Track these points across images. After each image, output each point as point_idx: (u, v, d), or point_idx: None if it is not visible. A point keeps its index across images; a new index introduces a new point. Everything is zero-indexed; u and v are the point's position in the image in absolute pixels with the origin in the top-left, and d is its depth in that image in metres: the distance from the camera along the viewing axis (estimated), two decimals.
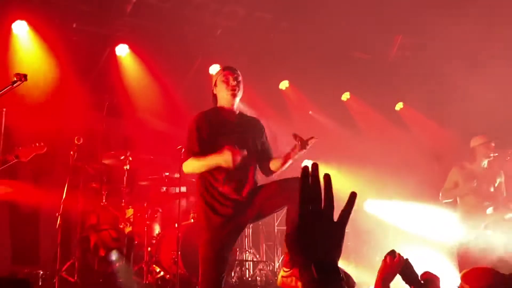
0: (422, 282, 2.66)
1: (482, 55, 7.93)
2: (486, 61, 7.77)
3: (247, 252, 6.94)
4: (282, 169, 4.12)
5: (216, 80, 4.12)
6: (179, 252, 5.71)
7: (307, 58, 8.66)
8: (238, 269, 6.51)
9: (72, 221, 6.52)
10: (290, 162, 4.07)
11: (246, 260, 6.69)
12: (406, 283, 2.69)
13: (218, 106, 4.14)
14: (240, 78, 4.11)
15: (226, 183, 3.89)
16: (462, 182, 6.51)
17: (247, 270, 6.82)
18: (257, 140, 4.19)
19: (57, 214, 5.62)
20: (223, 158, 3.69)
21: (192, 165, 3.88)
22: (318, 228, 1.31)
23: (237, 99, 4.08)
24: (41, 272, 6.16)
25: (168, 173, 6.69)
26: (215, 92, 4.15)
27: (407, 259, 2.70)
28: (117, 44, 7.78)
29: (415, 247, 7.19)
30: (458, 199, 6.58)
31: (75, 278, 5.70)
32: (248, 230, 6.67)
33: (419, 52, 8.76)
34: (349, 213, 1.37)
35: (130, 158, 6.50)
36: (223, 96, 4.08)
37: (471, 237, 6.30)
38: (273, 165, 4.16)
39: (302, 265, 1.29)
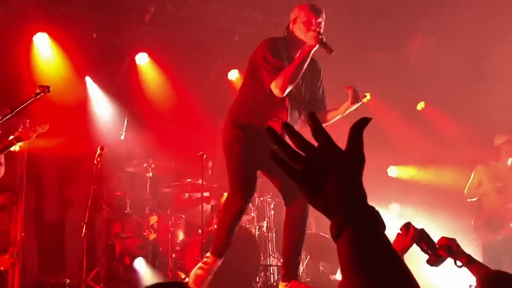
0: (438, 247, 2.66)
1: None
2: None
3: (271, 257, 6.93)
4: (330, 122, 4.01)
5: (296, 18, 3.88)
6: None
7: (326, 60, 8.61)
8: (262, 274, 6.50)
9: (97, 230, 6.61)
10: (339, 116, 3.96)
11: (271, 265, 6.66)
12: (425, 252, 2.68)
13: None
14: (323, 23, 3.88)
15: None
16: (487, 180, 6.42)
17: (271, 275, 6.80)
18: (318, 89, 4.13)
19: (82, 223, 5.67)
20: (310, 36, 3.59)
21: (288, 75, 3.60)
22: (326, 170, 1.06)
23: None
24: (68, 281, 6.23)
25: (190, 180, 6.71)
26: (292, 28, 3.91)
27: (422, 229, 2.70)
28: (136, 53, 7.86)
29: None
30: (481, 198, 6.49)
31: (101, 286, 5.76)
32: (271, 234, 6.66)
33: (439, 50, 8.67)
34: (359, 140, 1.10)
35: (153, 166, 6.55)
36: (300, 37, 3.85)
37: (497, 238, 6.20)
38: (322, 116, 4.02)
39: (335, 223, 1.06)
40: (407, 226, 2.70)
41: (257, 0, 7.45)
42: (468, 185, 6.59)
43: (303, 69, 3.69)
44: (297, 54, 3.91)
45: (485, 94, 7.69)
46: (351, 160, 1.08)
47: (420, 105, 9.80)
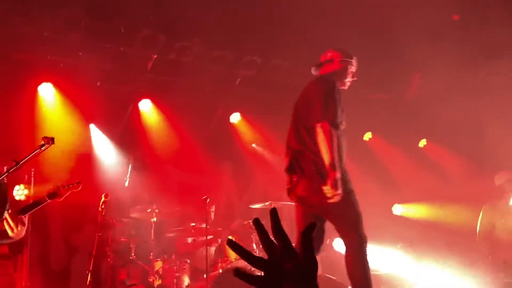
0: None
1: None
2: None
3: None
4: None
5: (344, 63, 4.49)
6: None
7: None
8: None
9: (103, 277, 6.58)
10: None
11: None
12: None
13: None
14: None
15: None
16: (498, 221, 6.36)
17: None
18: None
19: (87, 271, 5.66)
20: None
21: (330, 140, 4.02)
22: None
23: None
24: None
25: (194, 224, 6.72)
26: (334, 67, 4.49)
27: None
28: (140, 99, 8.00)
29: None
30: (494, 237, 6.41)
31: None
32: None
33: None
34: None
35: (157, 211, 6.58)
36: (342, 79, 4.47)
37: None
38: None
39: None
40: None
41: (256, 45, 7.61)
42: (479, 228, 6.46)
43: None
44: None
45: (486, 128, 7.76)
46: (305, 267, 1.20)
47: (422, 143, 9.88)
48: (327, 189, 3.95)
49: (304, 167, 4.21)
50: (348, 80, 4.56)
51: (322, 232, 4.42)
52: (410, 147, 9.63)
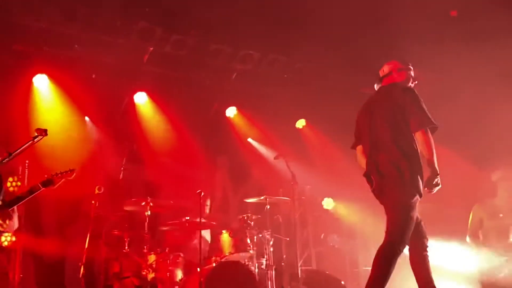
0: None
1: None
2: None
3: None
4: None
5: (407, 69, 4.73)
6: None
7: (322, 96, 8.73)
8: None
9: (96, 270, 6.56)
10: None
11: None
12: None
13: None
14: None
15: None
16: (487, 219, 6.35)
17: None
18: None
19: (80, 263, 5.64)
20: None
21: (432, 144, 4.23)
22: None
23: None
24: None
25: (188, 217, 6.70)
26: (396, 73, 4.72)
27: None
28: (135, 92, 7.96)
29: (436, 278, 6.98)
30: (481, 235, 6.42)
31: None
32: (271, 272, 6.61)
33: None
34: None
35: (151, 204, 6.54)
36: (405, 84, 4.65)
37: (495, 265, 6.09)
38: None
39: None
40: None
41: (253, 39, 7.57)
42: (469, 226, 6.49)
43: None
44: None
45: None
46: None
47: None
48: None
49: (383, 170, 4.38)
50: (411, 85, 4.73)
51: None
52: None
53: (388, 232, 4.23)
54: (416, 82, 4.75)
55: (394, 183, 4.25)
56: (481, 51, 6.94)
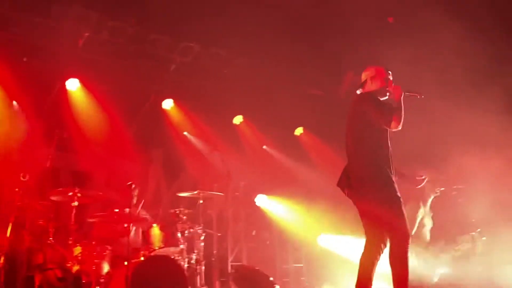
0: None
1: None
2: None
3: None
4: None
5: (382, 75, 4.70)
6: None
7: (261, 93, 8.76)
8: None
9: (18, 260, 6.27)
10: None
11: None
12: None
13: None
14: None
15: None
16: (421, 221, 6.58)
17: None
18: None
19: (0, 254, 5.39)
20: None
21: (401, 117, 4.37)
22: None
23: None
24: None
25: (117, 210, 6.52)
26: (371, 81, 4.70)
27: None
28: (67, 78, 7.68)
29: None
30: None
31: None
32: (200, 267, 6.56)
33: None
34: None
35: (79, 195, 6.31)
36: (379, 90, 4.66)
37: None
38: None
39: None
40: None
41: (194, 31, 7.48)
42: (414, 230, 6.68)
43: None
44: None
45: None
46: None
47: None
48: None
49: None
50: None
51: None
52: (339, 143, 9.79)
53: (388, 235, 4.31)
54: (390, 90, 4.69)
55: (367, 191, 4.35)
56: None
